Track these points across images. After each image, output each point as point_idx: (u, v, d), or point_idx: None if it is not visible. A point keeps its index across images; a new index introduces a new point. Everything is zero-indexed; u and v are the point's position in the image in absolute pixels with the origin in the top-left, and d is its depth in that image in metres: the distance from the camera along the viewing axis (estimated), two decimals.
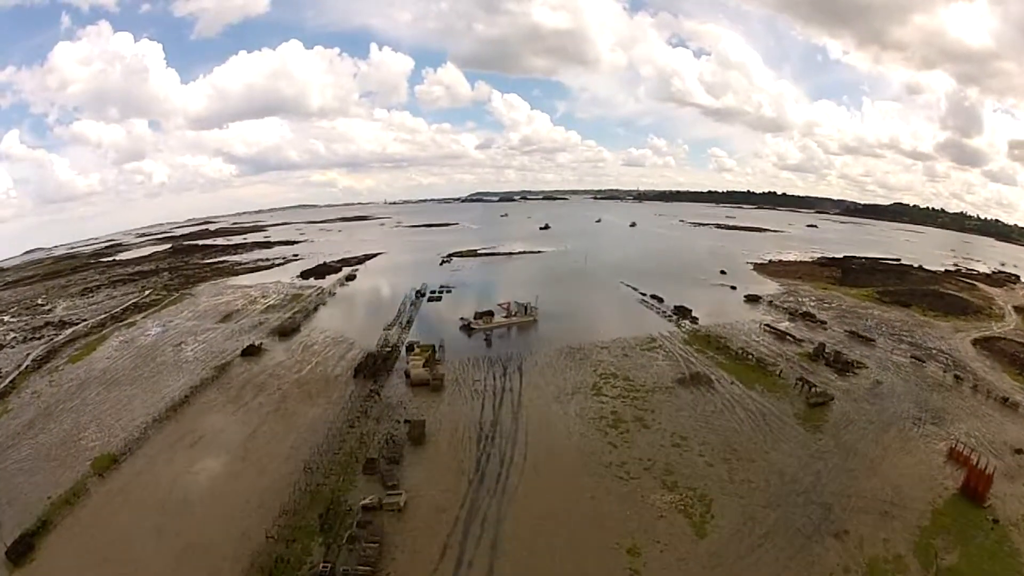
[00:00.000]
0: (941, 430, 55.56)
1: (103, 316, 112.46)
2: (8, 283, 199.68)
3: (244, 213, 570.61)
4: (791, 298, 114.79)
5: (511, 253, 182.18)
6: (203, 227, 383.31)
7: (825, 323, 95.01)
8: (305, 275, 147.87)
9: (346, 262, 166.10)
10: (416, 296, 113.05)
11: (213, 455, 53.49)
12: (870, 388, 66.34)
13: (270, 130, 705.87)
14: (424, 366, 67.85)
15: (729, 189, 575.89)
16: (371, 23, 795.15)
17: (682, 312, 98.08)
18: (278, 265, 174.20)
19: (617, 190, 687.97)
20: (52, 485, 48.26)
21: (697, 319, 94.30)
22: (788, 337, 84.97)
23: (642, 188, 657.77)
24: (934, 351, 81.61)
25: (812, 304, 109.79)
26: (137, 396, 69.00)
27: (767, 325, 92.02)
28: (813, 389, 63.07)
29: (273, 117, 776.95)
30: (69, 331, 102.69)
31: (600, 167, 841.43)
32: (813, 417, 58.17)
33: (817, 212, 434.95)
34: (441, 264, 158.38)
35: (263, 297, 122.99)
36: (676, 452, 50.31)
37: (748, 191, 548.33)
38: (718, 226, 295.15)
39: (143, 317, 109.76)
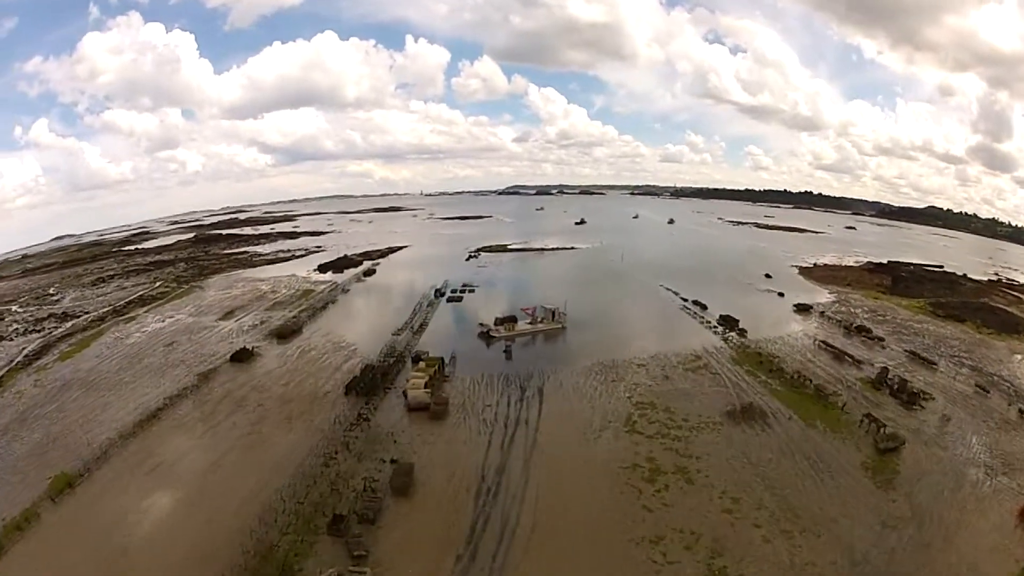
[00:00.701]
0: (1012, 482, 44.66)
1: (106, 309, 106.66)
2: (27, 271, 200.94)
3: (279, 202, 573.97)
4: (843, 308, 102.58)
5: (543, 249, 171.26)
6: (234, 216, 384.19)
7: (883, 340, 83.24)
8: (323, 269, 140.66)
9: (368, 255, 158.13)
10: (435, 295, 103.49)
11: (167, 489, 44.73)
12: (939, 427, 54.72)
13: (305, 120, 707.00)
14: (426, 386, 57.83)
15: (766, 188, 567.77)
16: (406, 14, 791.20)
17: (728, 323, 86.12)
18: (298, 257, 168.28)
19: (654, 186, 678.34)
20: (9, 504, 42.10)
21: (745, 331, 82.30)
22: (846, 357, 73.73)
23: (679, 184, 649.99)
24: (995, 377, 69.28)
25: (866, 316, 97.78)
26: (112, 404, 60.97)
27: (822, 342, 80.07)
28: (882, 430, 51.80)
29: (308, 108, 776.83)
30: (69, 324, 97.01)
31: (637, 162, 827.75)
32: (883, 467, 46.48)
33: (853, 213, 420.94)
34: (467, 260, 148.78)
35: (272, 292, 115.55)
36: (726, 520, 39.01)
37: (785, 190, 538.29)
38: (757, 225, 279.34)
39: (145, 311, 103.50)
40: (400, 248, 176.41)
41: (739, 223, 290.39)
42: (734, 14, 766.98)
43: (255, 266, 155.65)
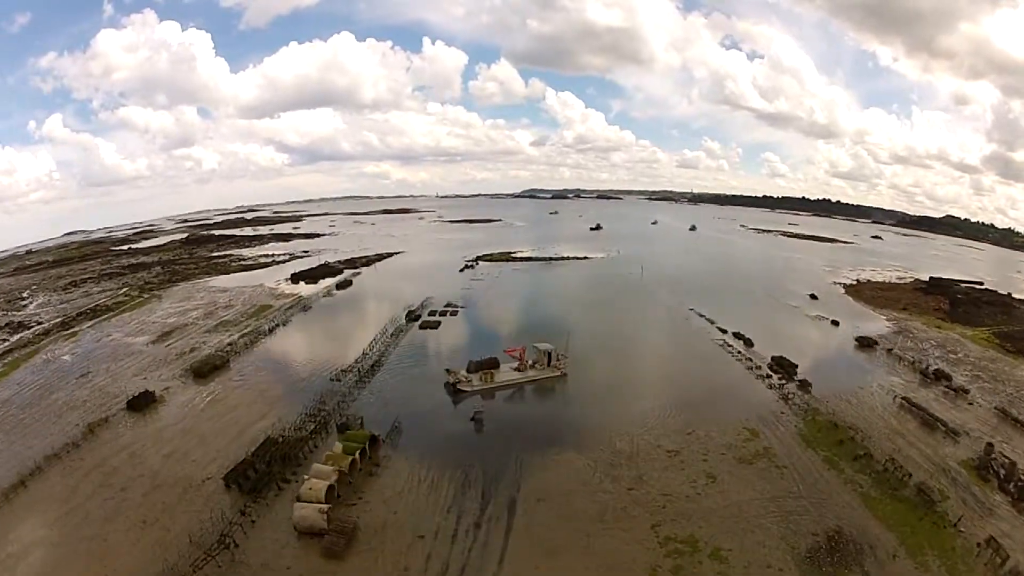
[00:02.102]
0: None
1: (57, 320, 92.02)
2: (16, 269, 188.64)
3: (293, 202, 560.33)
4: (909, 343, 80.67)
5: (552, 259, 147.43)
6: (241, 216, 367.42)
7: (967, 392, 61.63)
8: (296, 278, 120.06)
9: (352, 263, 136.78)
10: (406, 319, 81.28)
11: None
12: None
13: (322, 121, 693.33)
14: (329, 495, 35.67)
15: (784, 195, 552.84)
16: (424, 16, 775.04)
17: (784, 369, 63.39)
18: (280, 263, 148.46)
19: (671, 191, 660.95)
20: None
21: (808, 384, 59.22)
22: (937, 423, 52.27)
23: (696, 190, 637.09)
24: None
25: (937, 354, 76.19)
26: None
27: (904, 399, 57.60)
28: (1005, 564, 32.62)
29: (325, 108, 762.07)
30: (16, 338, 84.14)
31: (654, 168, 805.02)
32: None
33: (873, 222, 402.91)
34: (462, 270, 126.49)
35: (227, 307, 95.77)
36: None
37: (803, 197, 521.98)
38: (783, 234, 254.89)
39: (90, 325, 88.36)
40: (392, 255, 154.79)
41: (764, 231, 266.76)
42: (751, 19, 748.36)
43: (229, 272, 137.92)
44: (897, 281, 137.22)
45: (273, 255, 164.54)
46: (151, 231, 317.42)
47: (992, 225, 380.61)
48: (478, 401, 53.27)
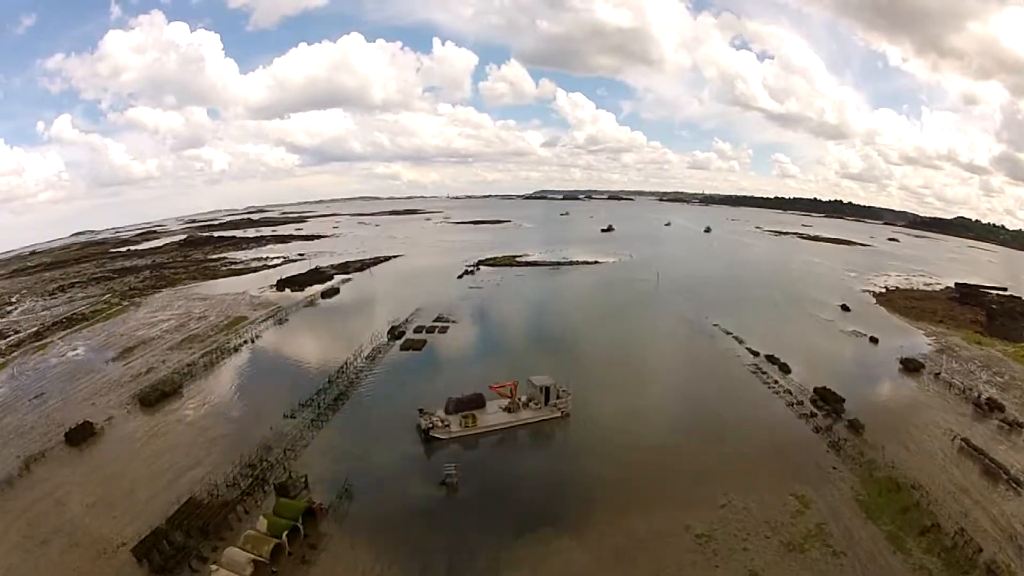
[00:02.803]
0: None
1: (35, 328, 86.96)
2: (14, 271, 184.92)
3: (304, 203, 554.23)
4: (954, 363, 69.77)
5: (559, 263, 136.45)
6: (247, 216, 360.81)
7: (1022, 427, 51.73)
8: (282, 284, 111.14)
9: (345, 268, 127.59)
10: (389, 337, 71.24)
11: None
12: None
13: (333, 122, 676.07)
14: None
15: (795, 196, 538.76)
16: (433, 17, 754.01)
17: (830, 403, 52.68)
18: (273, 266, 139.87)
19: (682, 192, 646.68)
20: None
21: (859, 425, 48.43)
22: (999, 471, 42.81)
23: (707, 191, 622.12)
24: None
25: (984, 377, 65.64)
26: None
27: (963, 440, 47.48)
28: None
29: (336, 109, 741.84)
30: None
31: (665, 169, 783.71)
32: None
33: (884, 223, 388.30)
34: (460, 276, 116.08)
35: (199, 319, 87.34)
36: None
37: (815, 199, 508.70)
38: (800, 236, 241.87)
39: (61, 336, 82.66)
40: (389, 258, 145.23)
41: (779, 233, 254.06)
42: (760, 19, 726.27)
43: (217, 277, 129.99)
44: (926, 288, 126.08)
45: (267, 258, 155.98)
46: (154, 232, 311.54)
47: (1003, 227, 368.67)
48: (454, 453, 42.73)
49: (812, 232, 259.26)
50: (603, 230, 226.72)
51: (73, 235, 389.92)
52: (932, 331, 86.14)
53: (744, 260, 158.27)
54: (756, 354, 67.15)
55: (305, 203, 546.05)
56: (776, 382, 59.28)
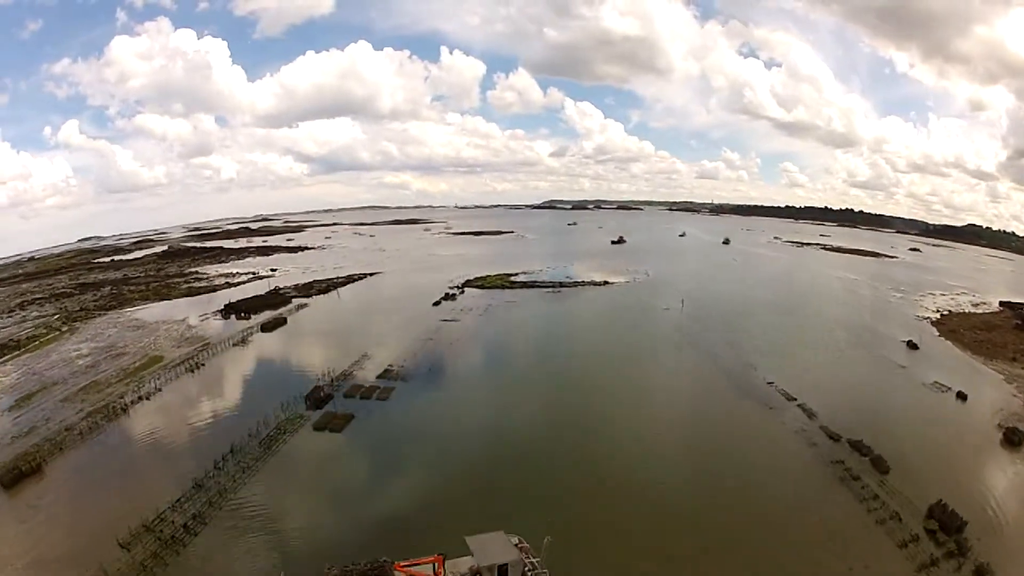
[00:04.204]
0: None
1: None
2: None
3: (312, 212, 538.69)
4: None
5: (561, 284, 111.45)
6: (246, 225, 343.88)
7: None
8: (229, 310, 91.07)
9: (307, 289, 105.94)
10: (308, 402, 49.57)
11: None
12: None
13: (341, 130, 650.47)
14: None
15: (805, 204, 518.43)
16: (440, 26, 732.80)
17: (949, 529, 32.58)
18: (236, 284, 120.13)
19: (691, 202, 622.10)
20: None
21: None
22: None
23: (716, 201, 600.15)
24: None
25: None
26: None
27: None
28: None
29: (344, 118, 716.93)
30: None
31: (674, 179, 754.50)
32: None
33: (896, 232, 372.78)
34: (437, 303, 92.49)
35: (117, 356, 71.88)
36: None
37: (826, 207, 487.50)
38: (822, 247, 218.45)
39: None
40: (365, 276, 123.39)
41: (800, 244, 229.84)
42: (767, 26, 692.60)
43: (170, 298, 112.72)
44: (976, 310, 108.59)
45: (235, 274, 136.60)
46: (151, 240, 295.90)
47: (1013, 233, 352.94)
48: None
49: (831, 243, 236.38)
50: (613, 242, 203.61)
51: (79, 240, 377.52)
52: (1011, 373, 68.31)
53: (775, 277, 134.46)
54: (835, 438, 44.66)
55: (313, 212, 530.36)
56: (875, 496, 37.11)
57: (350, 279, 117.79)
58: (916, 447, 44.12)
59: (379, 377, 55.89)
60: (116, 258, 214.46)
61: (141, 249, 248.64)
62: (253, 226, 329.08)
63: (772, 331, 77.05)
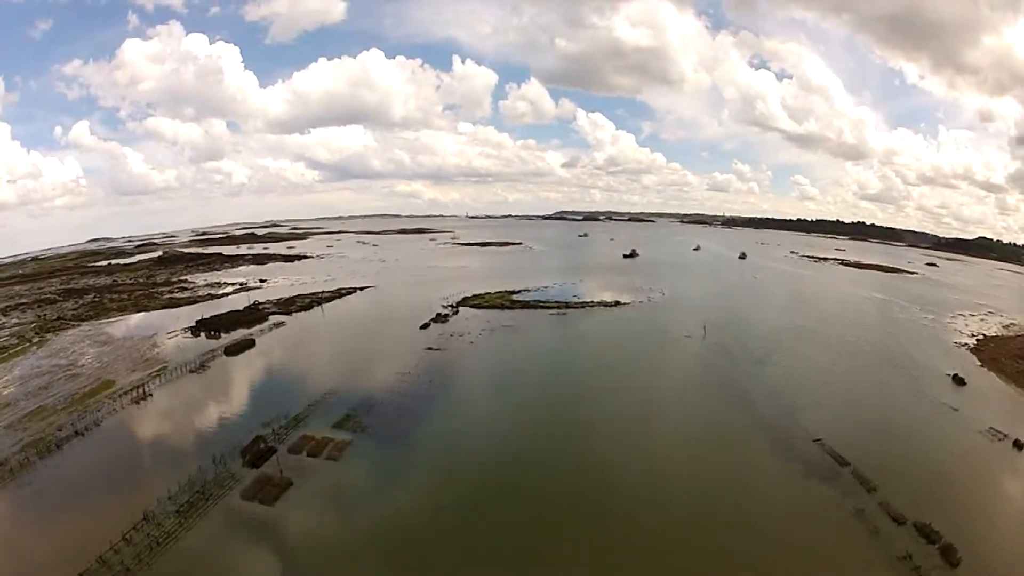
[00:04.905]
0: None
1: None
2: None
3: (322, 219, 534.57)
4: None
5: (568, 304, 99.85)
6: (251, 231, 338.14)
7: None
8: (200, 327, 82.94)
9: (288, 306, 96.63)
10: (244, 458, 40.23)
11: None
12: None
13: (353, 138, 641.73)
14: None
15: (817, 217, 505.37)
16: (453, 35, 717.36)
17: None
18: (220, 296, 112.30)
19: (702, 214, 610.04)
20: None
21: None
22: None
23: (727, 213, 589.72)
24: None
25: None
26: None
27: None
28: None
29: (356, 125, 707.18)
30: None
31: (685, 191, 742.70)
32: None
33: (908, 245, 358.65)
34: (424, 326, 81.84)
35: (72, 377, 66.19)
36: None
37: (837, 220, 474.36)
38: (841, 262, 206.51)
39: None
40: (355, 291, 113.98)
41: (818, 259, 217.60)
42: (778, 37, 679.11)
43: (149, 309, 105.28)
44: (1014, 335, 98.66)
45: (222, 283, 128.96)
46: (154, 243, 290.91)
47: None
48: None
49: (849, 257, 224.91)
50: (625, 255, 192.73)
51: (88, 241, 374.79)
52: None
53: (801, 298, 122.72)
54: (900, 521, 34.75)
55: (323, 219, 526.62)
56: None
57: (338, 294, 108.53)
58: (986, 524, 35.65)
59: (335, 426, 45.94)
60: (114, 262, 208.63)
61: (143, 253, 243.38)
62: (259, 232, 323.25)
63: (809, 367, 66.48)
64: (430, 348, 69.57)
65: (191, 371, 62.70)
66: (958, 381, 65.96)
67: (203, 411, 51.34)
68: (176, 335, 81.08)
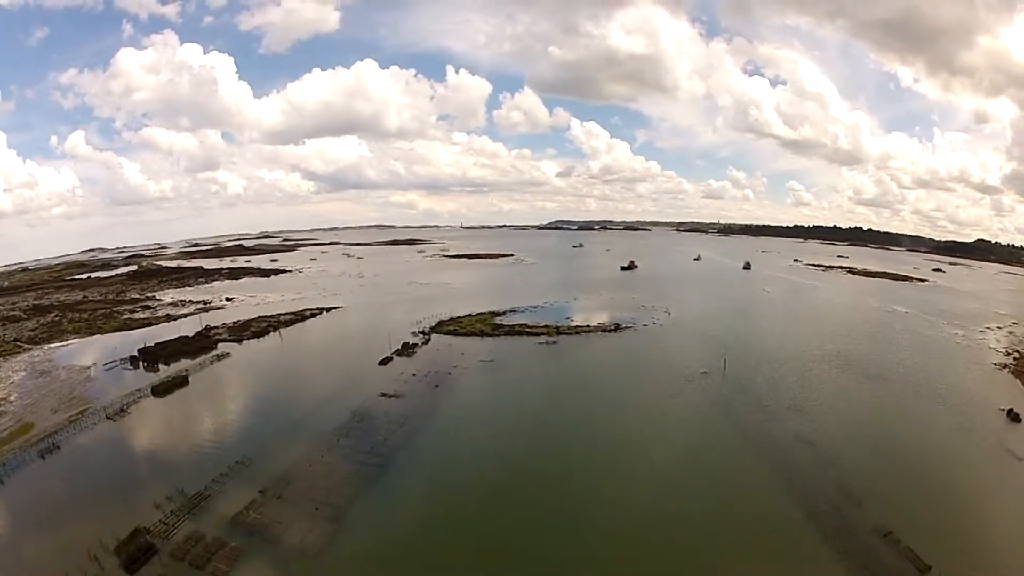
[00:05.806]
0: None
1: None
2: None
3: (317, 230, 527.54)
4: None
5: (558, 331, 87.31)
6: (239, 243, 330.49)
7: None
8: (139, 358, 74.21)
9: (242, 331, 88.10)
10: (122, 557, 31.02)
11: None
12: None
13: (348, 148, 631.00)
14: None
15: (814, 224, 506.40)
16: (447, 45, 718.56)
17: None
18: (179, 317, 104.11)
19: (698, 222, 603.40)
20: None
21: None
22: None
23: (723, 221, 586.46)
24: None
25: None
26: None
27: None
28: None
29: (350, 136, 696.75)
30: None
31: (680, 199, 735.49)
32: None
33: (907, 250, 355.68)
34: (386, 362, 71.13)
35: None
36: None
37: (835, 226, 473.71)
38: (848, 271, 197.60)
39: None
40: (320, 312, 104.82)
41: (824, 267, 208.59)
42: (772, 43, 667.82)
43: (102, 332, 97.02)
44: None
45: (186, 302, 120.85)
46: (142, 255, 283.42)
47: (1022, 248, 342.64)
48: None
49: (854, 265, 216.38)
50: (623, 268, 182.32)
51: (82, 252, 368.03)
52: None
53: (823, 316, 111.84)
54: None
55: (318, 230, 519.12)
56: None
57: (300, 316, 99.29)
58: None
59: (234, 519, 35.42)
60: (94, 275, 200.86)
61: (128, 265, 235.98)
62: (248, 244, 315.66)
63: (855, 412, 56.12)
64: (385, 394, 58.70)
65: (108, 416, 53.73)
66: (1013, 417, 56.52)
67: (99, 478, 41.76)
68: (113, 365, 72.64)
